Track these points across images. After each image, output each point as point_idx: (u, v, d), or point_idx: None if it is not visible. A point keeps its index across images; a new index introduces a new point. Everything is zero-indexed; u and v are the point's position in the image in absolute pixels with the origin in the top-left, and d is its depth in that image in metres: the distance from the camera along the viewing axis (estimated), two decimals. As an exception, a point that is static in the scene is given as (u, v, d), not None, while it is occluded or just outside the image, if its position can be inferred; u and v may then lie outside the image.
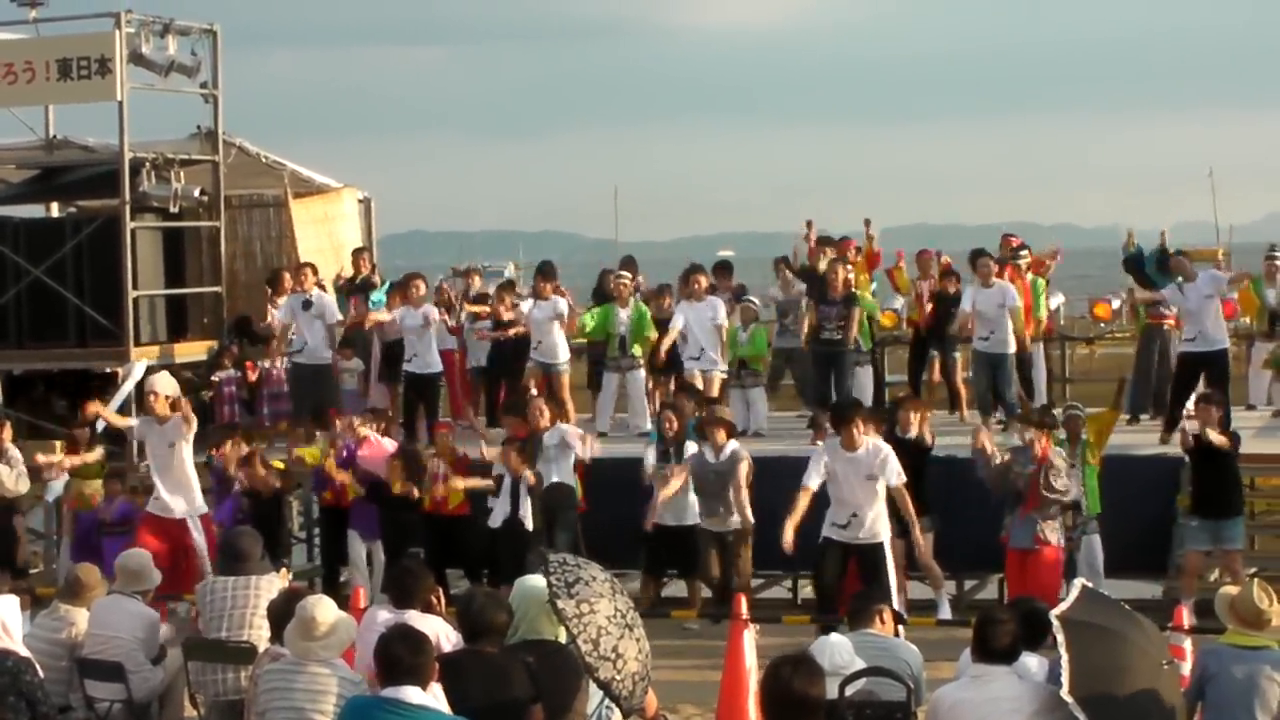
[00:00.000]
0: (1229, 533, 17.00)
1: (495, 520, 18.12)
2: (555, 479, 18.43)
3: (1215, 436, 17.01)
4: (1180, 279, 19.83)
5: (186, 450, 18.09)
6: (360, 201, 27.10)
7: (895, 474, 16.09)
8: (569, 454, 18.62)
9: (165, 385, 18.29)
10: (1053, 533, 16.25)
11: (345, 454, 19.37)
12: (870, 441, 16.11)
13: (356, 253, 24.83)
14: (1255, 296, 22.33)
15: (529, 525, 17.83)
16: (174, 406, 18.24)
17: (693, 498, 18.07)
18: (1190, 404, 18.93)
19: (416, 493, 18.63)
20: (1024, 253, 22.47)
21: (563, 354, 21.82)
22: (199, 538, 17.94)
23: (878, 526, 16.10)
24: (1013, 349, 20.79)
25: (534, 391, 20.45)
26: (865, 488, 16.03)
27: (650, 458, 18.48)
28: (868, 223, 23.58)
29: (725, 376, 21.54)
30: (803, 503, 16.00)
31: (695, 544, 17.97)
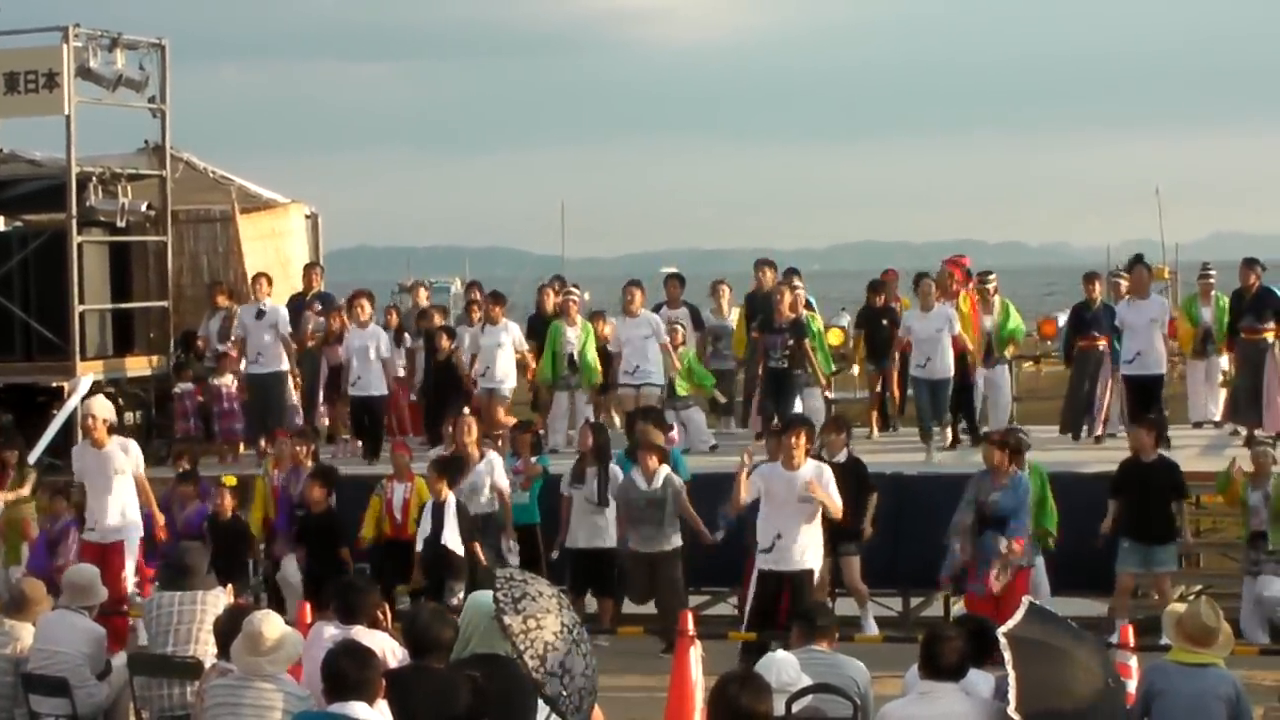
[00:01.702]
0: (1159, 556, 17.00)
1: (418, 541, 17.78)
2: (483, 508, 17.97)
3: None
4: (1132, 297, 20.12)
5: (125, 477, 17.38)
6: (307, 217, 27.06)
7: (833, 500, 15.83)
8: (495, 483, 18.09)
9: (103, 409, 17.82)
10: (1024, 555, 16.38)
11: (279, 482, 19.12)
12: (811, 464, 15.94)
13: (308, 268, 24.68)
14: (1187, 319, 22.25)
15: (453, 546, 17.43)
16: (112, 430, 17.92)
17: (609, 519, 17.85)
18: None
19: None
20: (991, 277, 22.10)
21: (510, 380, 21.69)
22: (129, 561, 17.48)
23: (807, 555, 15.77)
24: (950, 375, 20.69)
25: (466, 410, 19.49)
26: (796, 511, 15.70)
27: (567, 477, 18.24)
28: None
29: (661, 393, 21.34)
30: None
31: (610, 566, 17.90)
